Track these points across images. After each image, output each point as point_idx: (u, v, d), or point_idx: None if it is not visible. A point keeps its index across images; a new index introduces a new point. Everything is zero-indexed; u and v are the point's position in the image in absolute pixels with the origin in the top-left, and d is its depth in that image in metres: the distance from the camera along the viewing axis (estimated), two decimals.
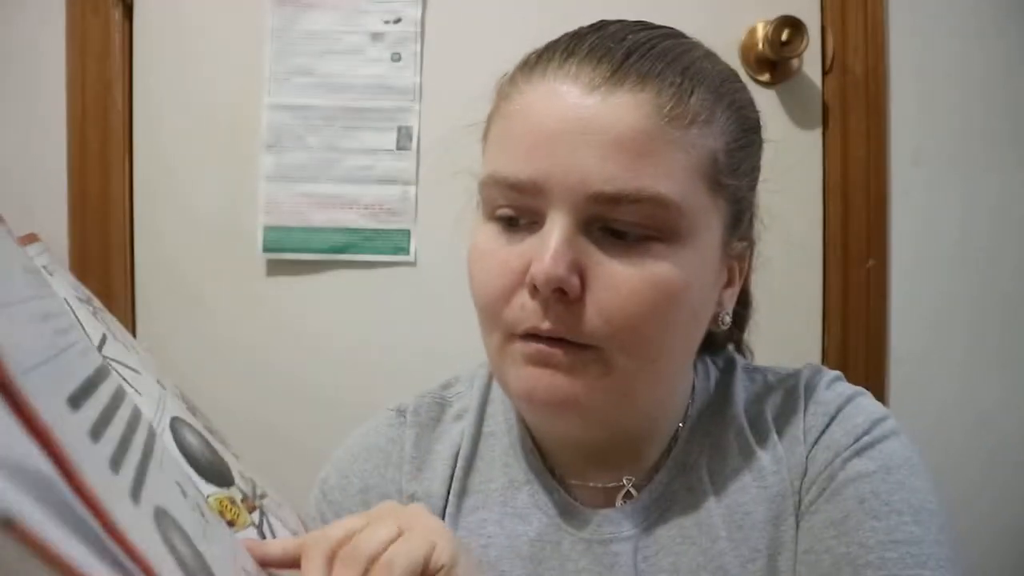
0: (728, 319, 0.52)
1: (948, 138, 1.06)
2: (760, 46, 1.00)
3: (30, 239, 0.90)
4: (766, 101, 1.03)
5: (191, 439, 0.44)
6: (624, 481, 0.53)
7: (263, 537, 0.45)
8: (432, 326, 1.03)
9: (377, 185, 1.04)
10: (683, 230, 0.45)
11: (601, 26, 0.49)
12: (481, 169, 0.51)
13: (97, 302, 0.52)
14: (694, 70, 0.47)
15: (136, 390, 0.41)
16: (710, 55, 0.50)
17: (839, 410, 0.52)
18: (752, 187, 0.52)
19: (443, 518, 0.54)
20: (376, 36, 1.04)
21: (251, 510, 0.46)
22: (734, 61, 1.02)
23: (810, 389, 0.54)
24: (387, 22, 1.04)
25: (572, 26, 0.52)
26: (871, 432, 0.50)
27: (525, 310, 0.45)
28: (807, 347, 1.05)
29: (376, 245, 1.05)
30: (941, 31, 1.06)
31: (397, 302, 1.04)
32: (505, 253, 0.46)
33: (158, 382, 0.48)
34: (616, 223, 0.44)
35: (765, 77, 1.03)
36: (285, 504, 0.53)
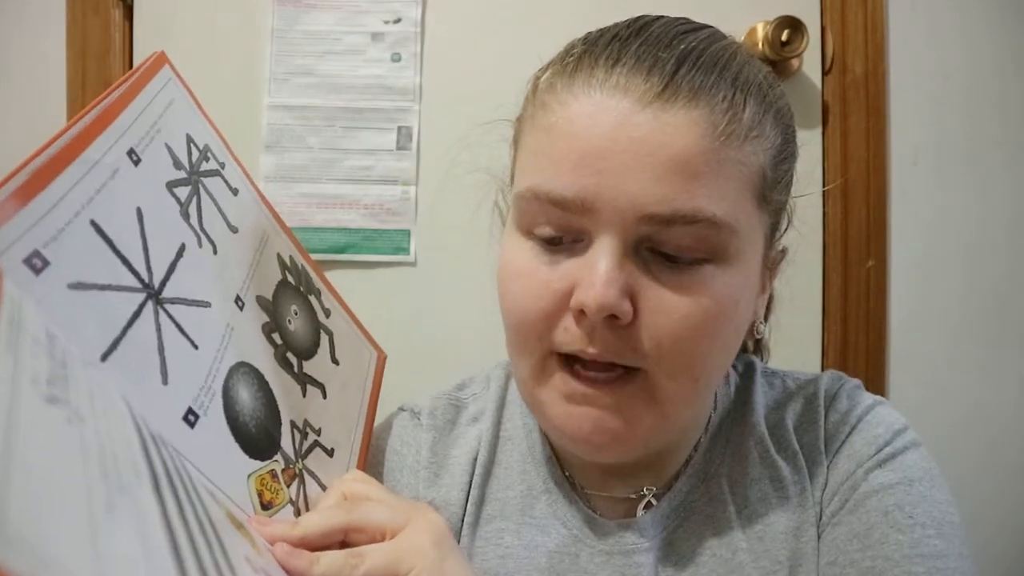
0: (763, 327, 0.52)
1: (948, 138, 1.06)
2: (760, 46, 1.00)
3: None
4: None
5: (244, 396, 0.43)
6: (645, 491, 0.52)
7: (298, 513, 0.45)
8: (432, 326, 1.03)
9: (377, 185, 1.04)
10: (732, 250, 0.43)
11: (643, 27, 0.46)
12: (512, 176, 0.49)
13: (209, 164, 0.47)
14: (743, 80, 0.44)
15: (192, 342, 0.39)
16: (751, 59, 0.48)
17: (859, 420, 0.51)
18: (788, 195, 0.51)
19: (461, 527, 0.53)
20: (376, 36, 1.04)
21: (290, 480, 0.45)
22: None
23: (830, 397, 0.53)
24: (387, 22, 1.04)
25: (573, 26, 0.52)
26: (892, 443, 0.49)
27: (569, 333, 0.43)
28: (807, 347, 1.05)
29: (376, 245, 1.05)
30: (941, 31, 1.06)
31: (397, 302, 1.04)
32: (546, 274, 0.44)
33: (236, 300, 0.45)
34: (667, 245, 0.42)
35: None
36: (336, 436, 0.52)
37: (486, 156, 0.56)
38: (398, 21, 1.04)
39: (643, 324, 0.42)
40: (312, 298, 0.55)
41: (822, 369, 1.04)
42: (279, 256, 0.53)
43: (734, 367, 0.57)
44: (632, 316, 0.42)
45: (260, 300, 0.48)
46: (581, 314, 0.42)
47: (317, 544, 0.41)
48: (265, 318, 0.48)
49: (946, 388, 1.06)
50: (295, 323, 0.51)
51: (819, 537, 0.49)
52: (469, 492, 0.54)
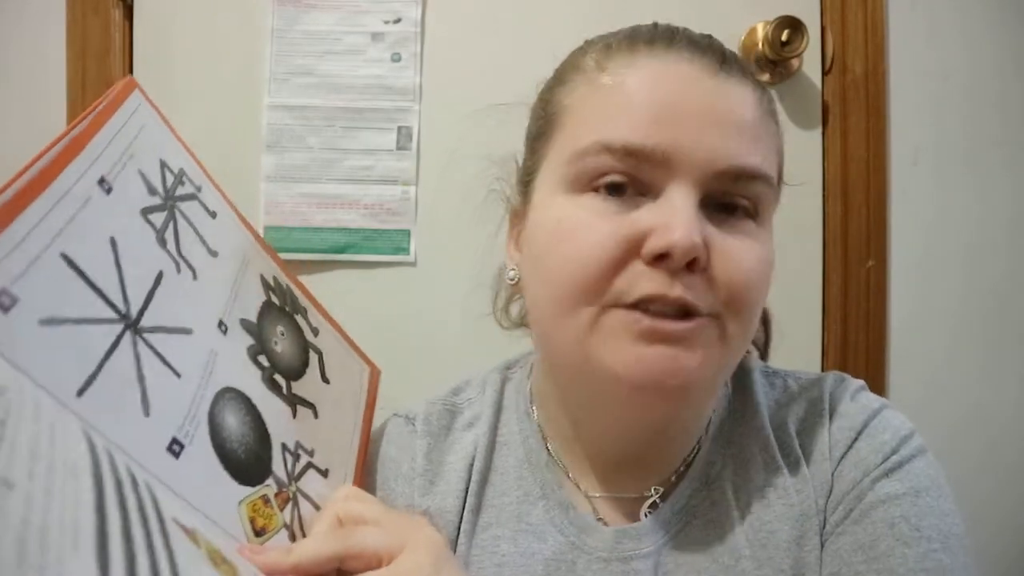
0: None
1: (948, 138, 1.06)
2: (760, 46, 1.00)
3: None
4: None
5: (232, 422, 0.42)
6: (653, 491, 0.51)
7: (293, 537, 0.44)
8: (432, 326, 1.03)
9: (377, 185, 1.04)
10: (768, 213, 0.48)
11: (674, 27, 0.51)
12: (566, 145, 0.48)
13: (185, 188, 0.46)
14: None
15: (175, 370, 0.39)
16: None
17: (865, 425, 0.50)
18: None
19: (457, 535, 0.52)
20: (376, 36, 1.04)
21: (284, 504, 0.44)
22: None
23: (834, 400, 0.52)
24: (387, 22, 1.04)
25: (573, 26, 0.53)
26: (899, 451, 0.48)
27: (646, 278, 0.43)
28: (807, 347, 1.05)
29: (376, 245, 1.05)
30: (941, 31, 1.06)
31: (397, 302, 1.04)
32: (615, 222, 0.44)
33: (219, 324, 0.44)
34: (732, 197, 0.46)
35: (765, 77, 1.03)
36: (328, 450, 0.51)
37: (485, 142, 0.56)
38: (398, 21, 1.04)
39: (716, 272, 0.44)
40: (299, 317, 0.54)
41: (822, 369, 1.04)
42: (262, 277, 0.52)
43: None
44: (708, 262, 0.44)
45: (244, 323, 0.48)
46: (659, 260, 0.43)
47: (311, 573, 0.41)
48: (250, 341, 0.47)
49: (946, 388, 1.05)
50: (281, 344, 0.51)
51: (822, 546, 0.48)
52: (465, 499, 0.53)
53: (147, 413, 0.36)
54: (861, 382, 0.54)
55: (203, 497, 0.38)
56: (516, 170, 0.56)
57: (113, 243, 0.37)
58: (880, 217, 1.05)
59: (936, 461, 0.49)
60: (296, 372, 0.51)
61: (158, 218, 0.42)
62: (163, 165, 0.45)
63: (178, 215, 0.44)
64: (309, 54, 1.04)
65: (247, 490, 0.42)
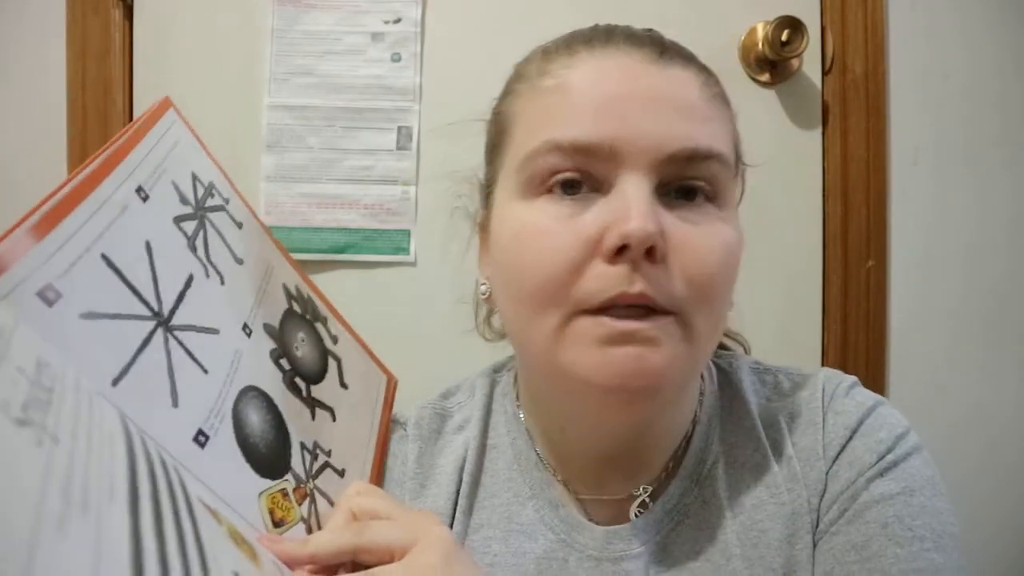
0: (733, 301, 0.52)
1: (948, 138, 1.06)
2: (760, 46, 1.00)
3: None
4: (766, 101, 1.03)
5: (254, 418, 0.44)
6: (641, 490, 0.51)
7: (310, 531, 0.46)
8: (432, 326, 1.03)
9: (377, 185, 1.04)
10: (729, 195, 0.48)
11: (612, 25, 0.51)
12: (493, 165, 0.50)
13: (214, 200, 0.49)
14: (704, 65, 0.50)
15: (202, 367, 0.41)
16: None
17: (860, 423, 0.50)
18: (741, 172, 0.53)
19: None
20: (376, 36, 1.04)
21: (301, 499, 0.46)
22: (734, 61, 1.03)
23: (828, 397, 0.52)
24: (387, 22, 1.04)
25: (573, 27, 0.53)
26: (895, 450, 0.48)
27: (604, 278, 0.43)
28: (807, 347, 1.05)
29: (376, 245, 1.05)
30: (941, 31, 1.06)
31: (397, 302, 1.04)
32: (571, 224, 0.44)
33: (244, 327, 0.46)
34: (687, 180, 0.45)
35: (765, 77, 1.03)
36: (345, 452, 0.53)
37: (452, 158, 0.57)
38: (398, 21, 1.04)
39: (674, 261, 0.44)
40: (319, 325, 0.56)
41: None
42: (284, 286, 0.55)
43: (714, 362, 0.57)
44: (665, 252, 0.43)
45: (267, 327, 0.50)
46: (618, 253, 0.42)
47: (327, 564, 0.42)
48: (272, 345, 0.50)
49: (946, 388, 1.05)
50: (302, 349, 0.53)
51: (815, 545, 0.48)
52: (456, 501, 0.54)
53: (176, 404, 0.39)
54: (854, 378, 0.54)
55: (226, 486, 0.40)
56: (479, 185, 0.56)
57: (148, 247, 0.40)
58: (880, 217, 1.05)
59: (931, 458, 0.49)
60: (316, 376, 0.53)
61: (189, 226, 0.45)
62: (195, 178, 0.47)
63: (207, 224, 0.47)
64: (309, 54, 1.04)
65: (267, 482, 0.44)
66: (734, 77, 1.02)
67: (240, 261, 0.49)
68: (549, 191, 0.46)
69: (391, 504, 0.47)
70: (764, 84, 1.03)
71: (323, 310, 0.58)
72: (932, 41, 1.06)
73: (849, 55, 1.04)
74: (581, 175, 0.45)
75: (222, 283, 0.46)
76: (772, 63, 1.02)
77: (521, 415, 0.57)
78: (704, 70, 0.49)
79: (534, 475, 0.54)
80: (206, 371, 0.42)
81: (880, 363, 1.05)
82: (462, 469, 0.55)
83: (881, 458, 0.48)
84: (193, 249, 0.44)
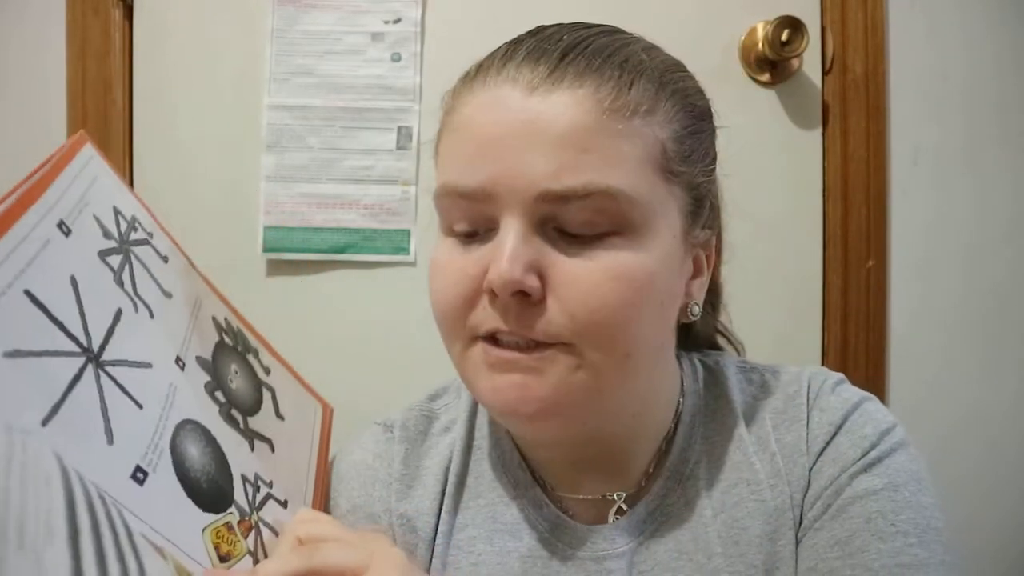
0: (697, 310, 0.50)
1: (948, 138, 1.06)
2: (760, 46, 1.00)
3: None
4: (766, 101, 1.03)
5: (193, 451, 0.43)
6: (615, 496, 0.52)
7: (257, 562, 0.45)
8: (432, 326, 1.02)
9: (377, 185, 1.05)
10: (638, 220, 0.44)
11: (538, 30, 0.49)
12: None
13: (138, 233, 0.49)
14: (633, 63, 0.46)
15: (136, 402, 0.40)
16: (651, 48, 0.49)
17: (845, 419, 0.50)
18: (708, 174, 0.50)
19: (435, 536, 0.53)
20: (376, 36, 1.04)
21: (247, 532, 0.45)
22: (734, 61, 1.03)
23: (813, 394, 0.52)
24: (387, 22, 1.04)
25: None
26: (879, 446, 0.48)
27: (485, 313, 0.45)
28: (807, 347, 1.05)
29: (376, 245, 1.05)
30: (941, 31, 1.06)
31: (397, 302, 1.04)
32: (463, 262, 0.46)
33: (176, 360, 0.46)
34: (570, 223, 0.44)
35: (765, 77, 1.03)
36: (288, 482, 0.53)
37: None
38: (398, 21, 1.04)
39: (554, 299, 0.43)
40: (250, 357, 0.56)
41: None
42: (214, 319, 0.54)
43: (702, 361, 0.57)
44: (542, 293, 0.43)
45: (200, 360, 0.49)
46: (494, 295, 0.44)
47: None
48: (207, 377, 0.49)
49: (946, 388, 1.06)
50: (236, 381, 0.52)
51: (798, 541, 0.48)
52: (442, 502, 0.54)
53: (111, 441, 0.37)
54: (840, 375, 0.53)
55: (168, 523, 0.39)
56: None
57: (74, 281, 0.39)
58: (880, 217, 1.05)
59: (918, 453, 0.49)
60: (251, 408, 0.53)
61: (115, 260, 0.44)
62: (117, 212, 0.47)
63: (133, 258, 0.46)
64: (309, 54, 1.04)
65: (211, 517, 0.43)
66: (734, 77, 1.02)
67: (168, 295, 0.49)
68: (454, 233, 0.48)
69: (339, 529, 0.47)
70: (764, 84, 1.03)
71: (253, 342, 0.58)
72: (932, 41, 1.06)
73: (849, 55, 1.04)
74: (472, 222, 0.46)
75: (151, 316, 0.45)
76: (772, 63, 1.02)
77: None
78: (611, 79, 0.44)
79: (518, 475, 0.54)
80: (141, 406, 0.40)
81: (880, 363, 1.05)
82: (447, 470, 0.55)
83: (865, 454, 0.48)
84: (120, 283, 0.43)
